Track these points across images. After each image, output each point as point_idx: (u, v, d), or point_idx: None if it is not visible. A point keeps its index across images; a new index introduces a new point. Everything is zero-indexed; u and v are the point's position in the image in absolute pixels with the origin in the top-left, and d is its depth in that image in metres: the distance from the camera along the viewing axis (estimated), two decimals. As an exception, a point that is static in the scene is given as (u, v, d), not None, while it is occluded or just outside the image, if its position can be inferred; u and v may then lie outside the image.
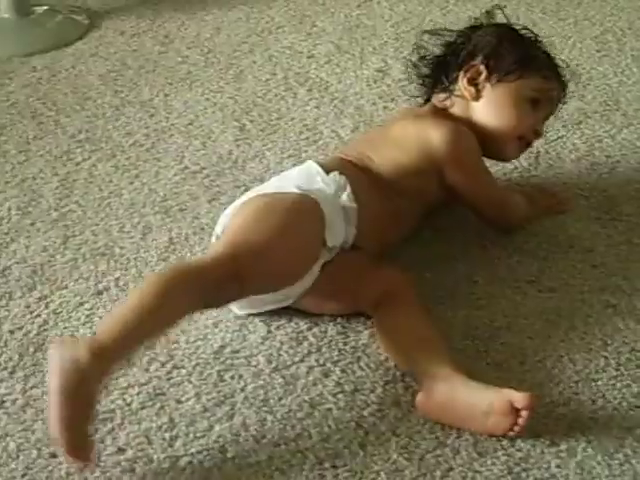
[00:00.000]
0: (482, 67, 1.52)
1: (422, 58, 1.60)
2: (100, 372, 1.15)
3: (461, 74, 1.53)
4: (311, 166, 1.44)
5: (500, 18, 1.62)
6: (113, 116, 1.90)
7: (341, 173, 1.41)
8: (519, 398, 1.19)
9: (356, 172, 1.44)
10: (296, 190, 1.37)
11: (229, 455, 1.20)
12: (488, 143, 1.52)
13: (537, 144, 1.76)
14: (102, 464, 1.18)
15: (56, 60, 2.11)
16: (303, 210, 1.35)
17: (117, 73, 2.05)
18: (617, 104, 1.90)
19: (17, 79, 2.04)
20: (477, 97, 1.52)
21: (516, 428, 1.19)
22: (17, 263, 1.51)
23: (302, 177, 1.42)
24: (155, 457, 1.19)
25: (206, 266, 1.27)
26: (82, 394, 1.13)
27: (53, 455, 1.19)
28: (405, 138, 1.49)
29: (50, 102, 1.95)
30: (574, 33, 2.17)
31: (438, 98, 1.57)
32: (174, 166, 1.74)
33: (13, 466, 1.18)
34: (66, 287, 1.46)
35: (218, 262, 1.27)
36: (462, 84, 1.53)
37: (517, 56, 1.52)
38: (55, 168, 1.74)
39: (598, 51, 2.10)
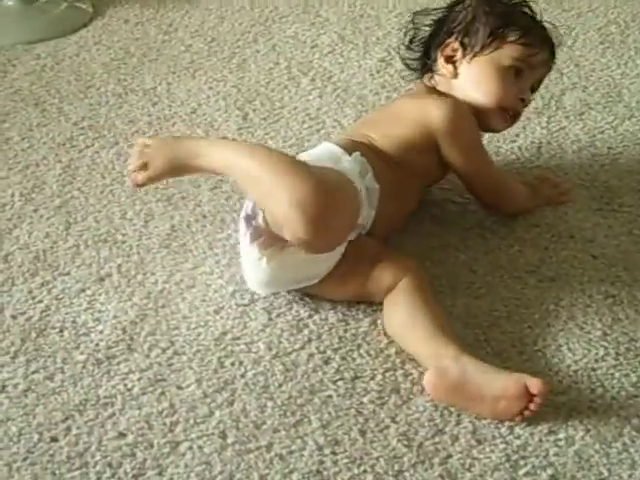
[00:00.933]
0: (457, 44, 1.52)
1: (411, 41, 1.60)
2: None
3: (439, 53, 1.54)
4: (332, 147, 1.43)
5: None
6: (116, 104, 1.90)
7: (362, 155, 1.41)
8: (535, 383, 1.20)
9: (370, 153, 1.44)
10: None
11: (229, 441, 1.20)
12: (475, 116, 1.51)
13: (539, 135, 1.78)
14: (103, 448, 1.19)
15: (60, 48, 2.11)
16: (349, 182, 1.35)
17: (120, 61, 2.06)
18: (619, 96, 1.91)
19: (21, 66, 2.04)
20: (455, 74, 1.52)
21: (526, 413, 1.20)
22: (20, 249, 1.52)
23: (328, 157, 1.41)
24: (155, 442, 1.20)
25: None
26: None
27: (54, 439, 1.20)
28: (405, 115, 1.50)
29: (54, 90, 1.96)
30: (578, 24, 2.17)
31: (426, 78, 1.58)
32: (177, 154, 1.74)
33: (14, 450, 1.19)
34: (68, 273, 1.47)
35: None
36: (440, 63, 1.54)
37: (491, 28, 1.50)
38: (58, 155, 1.75)
39: (601, 43, 2.10)
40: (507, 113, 1.53)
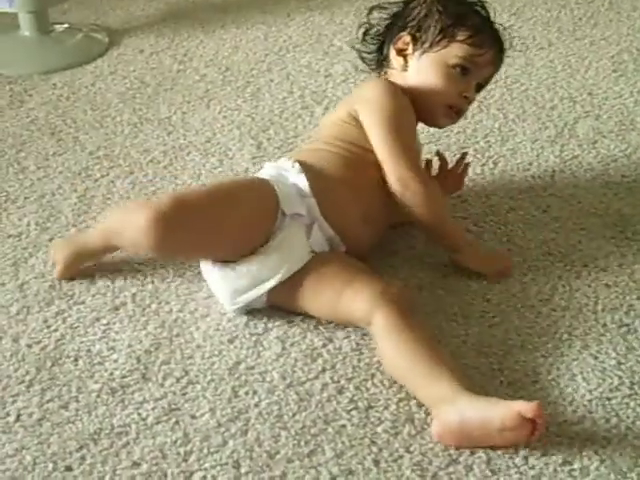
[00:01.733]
0: (408, 38, 1.55)
1: (365, 34, 1.63)
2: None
3: (391, 47, 1.57)
4: (268, 163, 1.54)
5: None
6: (131, 133, 1.92)
7: (289, 158, 1.49)
8: (528, 409, 1.19)
9: (306, 151, 1.53)
10: None
11: (243, 470, 1.20)
12: (421, 110, 1.54)
13: (552, 163, 1.78)
14: (117, 478, 1.19)
15: (76, 78, 2.13)
16: (248, 181, 1.50)
17: (136, 91, 2.08)
18: (632, 124, 1.91)
19: (37, 96, 2.06)
20: (405, 67, 1.56)
21: (536, 433, 1.20)
22: (35, 278, 1.53)
23: (261, 171, 1.52)
24: (169, 472, 1.20)
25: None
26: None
27: (69, 468, 1.21)
28: (344, 100, 1.64)
29: (69, 119, 1.97)
30: (590, 53, 2.18)
31: (380, 74, 1.61)
32: (191, 183, 1.76)
33: (29, 479, 1.20)
34: (83, 302, 1.48)
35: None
36: (392, 55, 1.57)
37: (442, 25, 1.53)
38: (74, 184, 1.76)
39: (614, 71, 2.10)
40: (451, 109, 1.55)
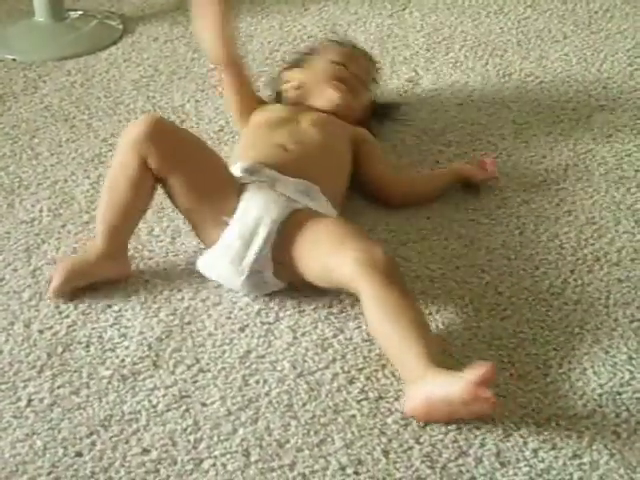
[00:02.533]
0: (287, 72, 1.82)
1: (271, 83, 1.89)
2: None
3: (280, 88, 1.83)
4: None
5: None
6: (145, 121, 1.92)
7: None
8: (476, 377, 1.19)
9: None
10: None
11: (252, 459, 1.21)
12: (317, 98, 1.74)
13: (565, 157, 1.78)
14: (127, 464, 1.20)
15: (90, 64, 2.13)
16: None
17: (149, 78, 2.08)
18: (647, 118, 1.90)
19: (51, 82, 2.06)
20: (295, 85, 1.79)
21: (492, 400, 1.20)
22: (47, 264, 1.53)
23: None
24: (179, 459, 1.21)
25: None
26: None
27: (79, 454, 1.21)
28: None
29: (83, 106, 1.98)
30: (605, 46, 2.17)
31: None
32: (204, 171, 1.76)
33: (39, 464, 1.20)
34: (95, 289, 1.48)
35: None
36: (284, 89, 1.80)
37: (309, 49, 1.87)
38: (87, 171, 1.77)
39: (629, 65, 2.09)
40: (335, 80, 1.74)
